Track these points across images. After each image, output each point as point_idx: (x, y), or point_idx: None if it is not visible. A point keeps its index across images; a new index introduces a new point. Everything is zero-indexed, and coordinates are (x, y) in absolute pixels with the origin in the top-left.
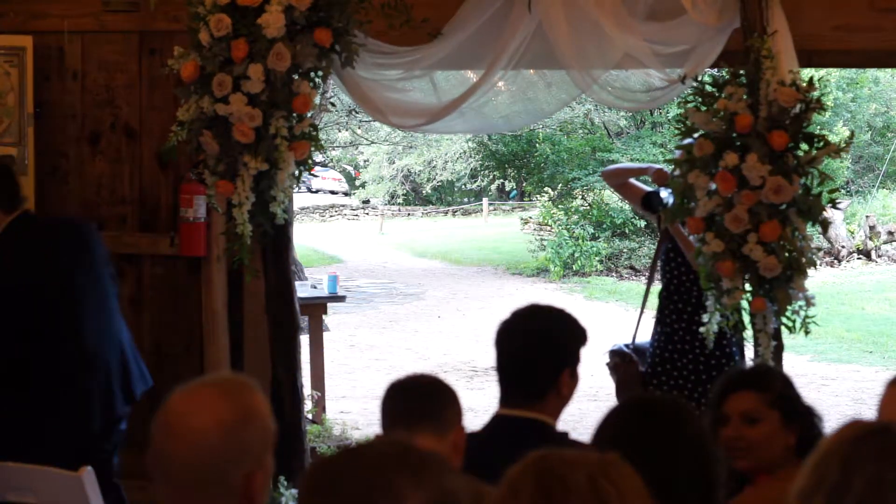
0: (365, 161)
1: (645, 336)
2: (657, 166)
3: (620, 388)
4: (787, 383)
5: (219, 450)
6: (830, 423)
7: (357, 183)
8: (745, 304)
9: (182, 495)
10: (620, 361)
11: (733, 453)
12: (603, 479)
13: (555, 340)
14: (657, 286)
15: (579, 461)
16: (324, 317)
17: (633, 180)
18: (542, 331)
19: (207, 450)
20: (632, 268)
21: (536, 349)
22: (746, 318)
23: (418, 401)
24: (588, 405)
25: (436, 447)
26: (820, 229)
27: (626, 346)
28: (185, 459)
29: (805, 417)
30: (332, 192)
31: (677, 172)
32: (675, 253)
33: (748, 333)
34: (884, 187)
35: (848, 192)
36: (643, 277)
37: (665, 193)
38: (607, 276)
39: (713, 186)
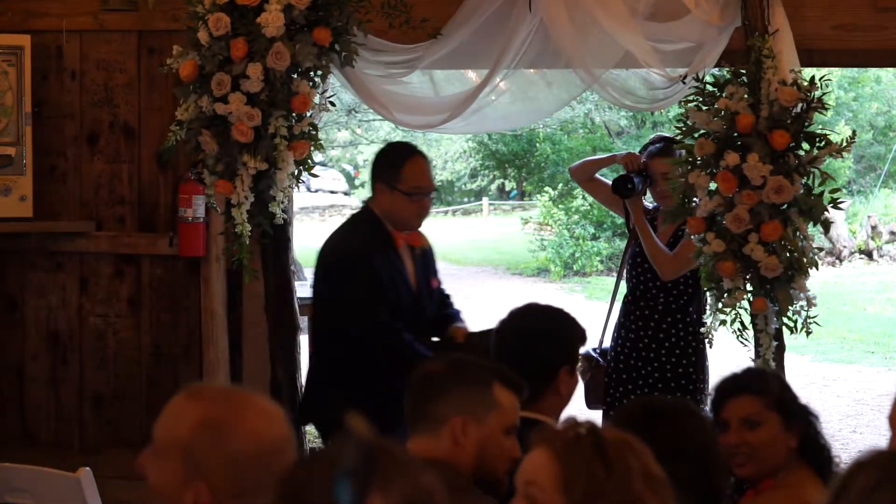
0: (364, 161)
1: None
2: (624, 152)
3: (587, 394)
4: (783, 384)
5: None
6: (832, 423)
7: (357, 182)
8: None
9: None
10: (588, 366)
11: (736, 460)
12: None
13: (553, 338)
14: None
15: None
16: None
17: (599, 175)
18: (539, 329)
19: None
20: None
21: (534, 347)
22: (747, 319)
23: (408, 401)
24: None
25: (433, 451)
26: (821, 229)
27: (594, 349)
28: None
29: (802, 417)
30: (332, 192)
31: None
32: (642, 258)
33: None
34: (886, 187)
35: (850, 191)
36: None
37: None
38: (608, 276)
39: (714, 186)
